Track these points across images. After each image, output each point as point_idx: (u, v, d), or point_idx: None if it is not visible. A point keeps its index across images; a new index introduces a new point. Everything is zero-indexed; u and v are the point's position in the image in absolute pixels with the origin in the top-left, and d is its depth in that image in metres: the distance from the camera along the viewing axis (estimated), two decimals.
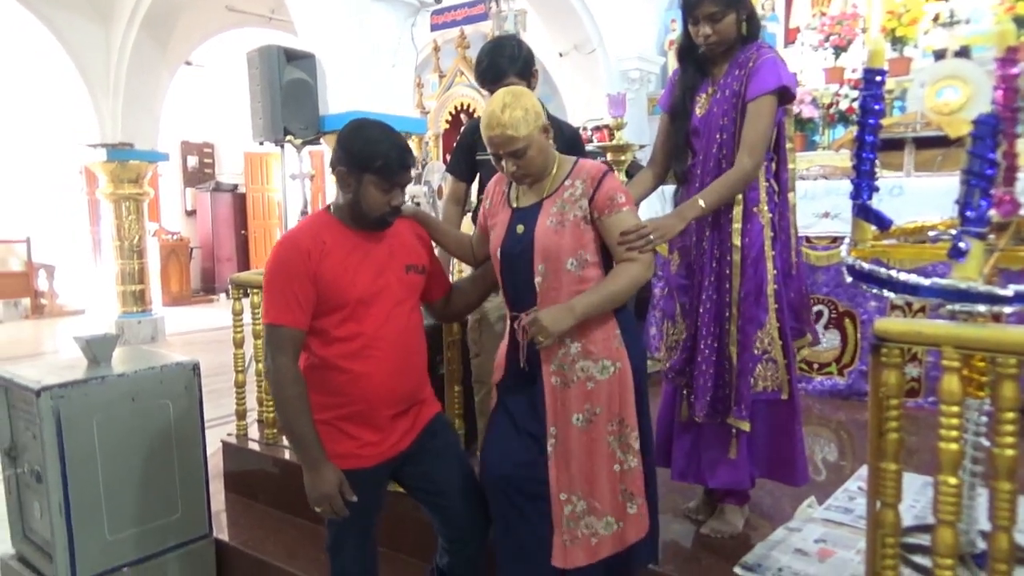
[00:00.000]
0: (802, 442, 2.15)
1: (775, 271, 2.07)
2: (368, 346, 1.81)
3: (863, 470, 2.61)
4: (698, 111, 2.13)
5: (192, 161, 12.78)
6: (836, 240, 3.65)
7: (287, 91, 4.82)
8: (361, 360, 1.81)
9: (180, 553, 2.66)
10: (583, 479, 1.79)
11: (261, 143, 5.06)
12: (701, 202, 1.97)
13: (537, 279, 1.79)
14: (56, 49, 7.62)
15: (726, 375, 2.07)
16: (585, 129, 7.64)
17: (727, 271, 2.06)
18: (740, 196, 2.05)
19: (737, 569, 1.99)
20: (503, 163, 1.78)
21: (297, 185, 5.10)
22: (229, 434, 3.36)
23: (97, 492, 2.45)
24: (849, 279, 2.03)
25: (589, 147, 6.27)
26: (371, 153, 1.78)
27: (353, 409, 1.83)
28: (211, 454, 2.87)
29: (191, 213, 12.80)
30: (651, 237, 1.80)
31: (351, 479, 1.80)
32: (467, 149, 2.67)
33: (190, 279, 12.05)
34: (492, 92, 2.55)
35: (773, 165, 2.12)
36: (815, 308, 3.76)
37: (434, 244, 2.08)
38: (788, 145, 2.15)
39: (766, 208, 2.07)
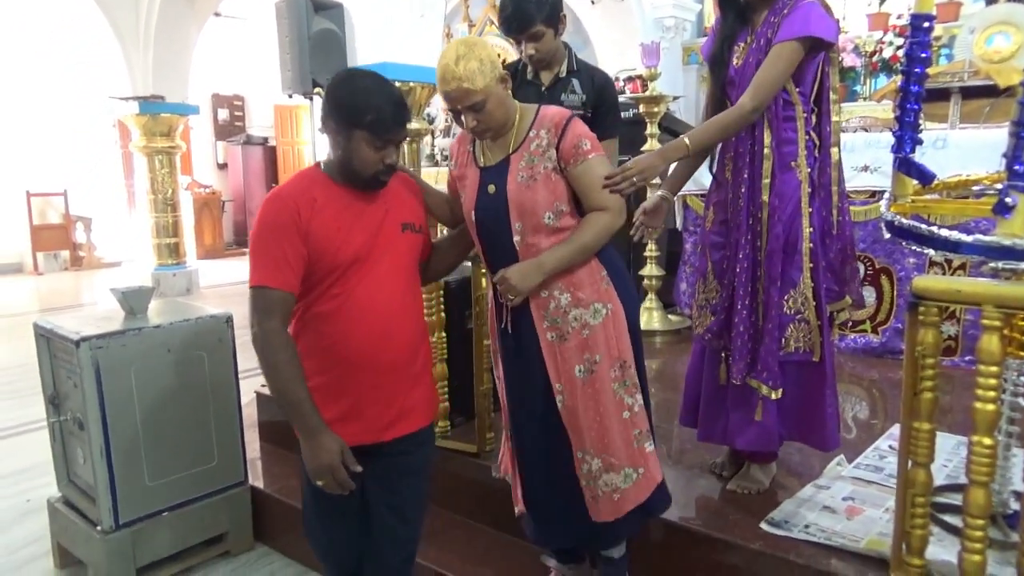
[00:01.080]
0: (834, 406, 2.11)
1: (811, 229, 2.01)
2: (347, 308, 1.70)
3: (895, 429, 2.58)
4: (735, 61, 2.05)
5: (223, 114, 12.82)
6: (875, 195, 3.55)
7: (315, 42, 4.77)
8: (342, 323, 1.71)
9: (217, 499, 2.74)
10: (595, 435, 1.78)
11: (290, 95, 5.04)
12: (687, 140, 1.90)
13: (515, 238, 1.75)
14: (87, 2, 7.64)
15: (758, 336, 2.04)
16: (618, 79, 7.49)
17: (758, 229, 2.01)
18: (769, 150, 1.98)
19: (763, 525, 1.99)
20: (463, 119, 1.72)
21: (327, 138, 5.08)
22: (263, 385, 3.43)
23: (136, 439, 2.53)
24: (887, 235, 1.97)
25: (621, 98, 6.16)
26: (362, 107, 1.65)
27: (332, 375, 1.73)
28: (245, 404, 2.93)
29: (223, 166, 12.90)
30: (634, 179, 1.76)
31: None
32: None
33: (223, 232, 12.21)
34: (519, 41, 2.46)
35: (814, 117, 2.05)
36: None
37: None
38: (832, 97, 2.06)
39: (804, 163, 2.00)
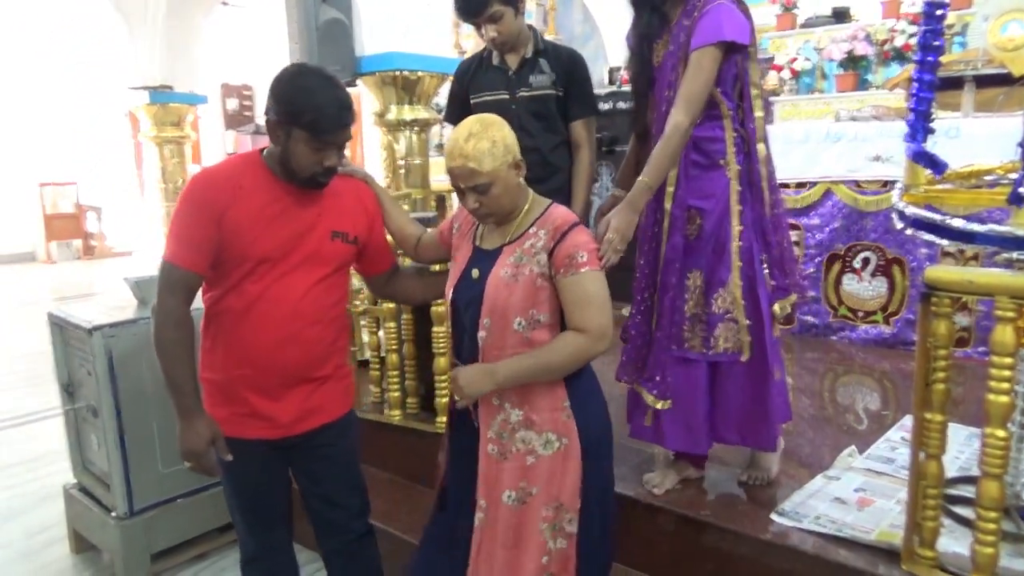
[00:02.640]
0: (779, 405, 2.04)
1: (741, 227, 1.97)
2: (251, 307, 1.67)
3: (906, 420, 2.57)
4: (655, 59, 2.00)
5: (232, 104, 12.84)
6: (887, 184, 3.53)
7: (323, 32, 4.75)
8: (246, 322, 1.67)
9: None
10: (506, 569, 1.63)
11: None
12: (646, 179, 1.85)
13: (481, 333, 1.60)
14: None
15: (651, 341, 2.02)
16: (629, 68, 7.44)
17: (656, 231, 1.99)
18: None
19: (773, 516, 1.99)
20: (464, 198, 1.60)
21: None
22: None
23: (150, 427, 2.55)
24: (899, 225, 1.96)
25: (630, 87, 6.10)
26: (302, 106, 1.58)
27: (236, 373, 1.70)
28: None
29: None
30: (618, 246, 1.68)
31: (230, 447, 1.71)
32: (460, 94, 2.54)
33: None
34: (477, 27, 2.38)
35: (740, 113, 1.99)
36: (863, 254, 3.67)
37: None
38: (754, 92, 2.00)
39: (734, 160, 1.96)
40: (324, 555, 1.99)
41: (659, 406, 2.01)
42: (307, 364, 1.74)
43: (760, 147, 2.00)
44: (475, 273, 1.65)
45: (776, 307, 2.04)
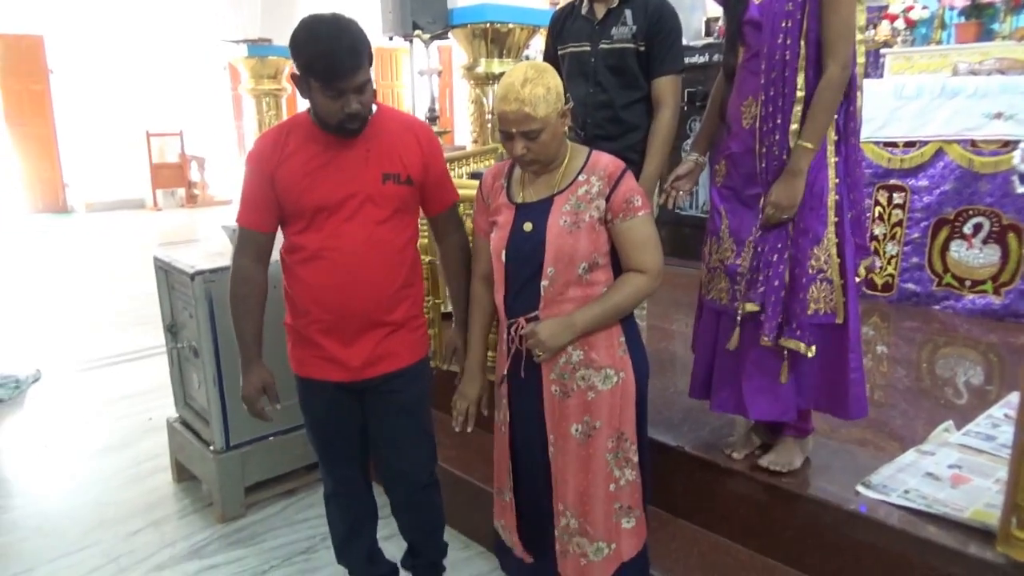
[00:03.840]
0: (859, 371, 1.93)
1: (837, 180, 1.84)
2: (316, 256, 1.73)
3: (1012, 397, 2.42)
4: None
5: None
6: (1008, 144, 3.26)
7: None
8: (314, 269, 1.74)
9: None
10: (577, 498, 1.73)
11: (391, 38, 5.07)
12: (805, 143, 1.77)
13: (544, 282, 1.65)
14: None
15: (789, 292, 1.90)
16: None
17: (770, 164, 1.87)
18: (802, 93, 1.80)
19: (859, 487, 1.93)
20: (512, 143, 1.60)
21: (425, 81, 5.11)
22: None
23: None
24: (1020, 189, 1.82)
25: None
26: (310, 55, 1.58)
27: (309, 319, 1.78)
28: None
29: None
30: (783, 217, 1.78)
31: (305, 387, 1.87)
32: (550, 48, 2.50)
33: None
34: None
35: None
36: (974, 220, 3.44)
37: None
38: (858, 36, 1.83)
39: None
40: (392, 503, 2.06)
41: (811, 354, 1.88)
42: (375, 308, 1.77)
43: (858, 96, 1.88)
44: (527, 226, 1.67)
45: (861, 267, 1.94)
